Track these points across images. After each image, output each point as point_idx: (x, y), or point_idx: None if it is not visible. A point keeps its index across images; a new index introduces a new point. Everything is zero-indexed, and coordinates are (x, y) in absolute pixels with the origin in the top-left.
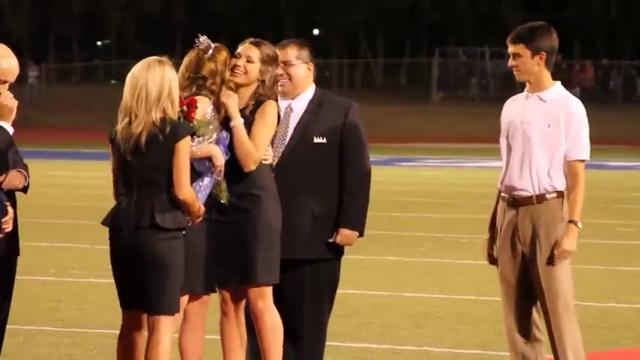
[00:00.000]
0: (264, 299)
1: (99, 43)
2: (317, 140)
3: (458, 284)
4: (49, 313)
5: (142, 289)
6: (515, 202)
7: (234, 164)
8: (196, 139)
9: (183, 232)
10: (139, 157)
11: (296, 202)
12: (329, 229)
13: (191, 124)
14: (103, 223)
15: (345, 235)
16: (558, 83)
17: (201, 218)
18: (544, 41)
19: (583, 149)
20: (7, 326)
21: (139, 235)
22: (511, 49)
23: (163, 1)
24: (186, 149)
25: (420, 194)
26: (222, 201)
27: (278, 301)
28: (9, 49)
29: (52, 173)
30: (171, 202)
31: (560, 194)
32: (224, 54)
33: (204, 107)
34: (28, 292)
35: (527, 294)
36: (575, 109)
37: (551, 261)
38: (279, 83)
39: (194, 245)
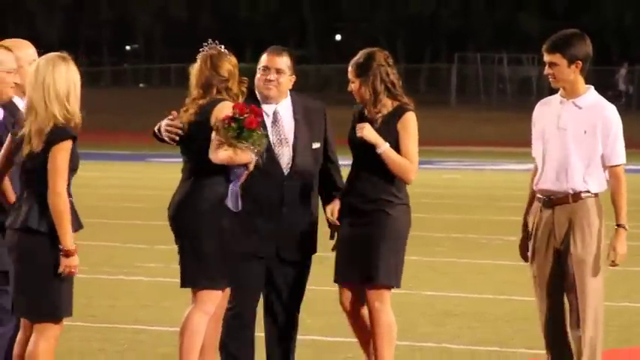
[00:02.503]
0: (382, 301)
1: (127, 47)
2: (315, 146)
3: (476, 283)
4: (81, 309)
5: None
6: (551, 202)
7: (367, 170)
8: (252, 146)
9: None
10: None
11: (304, 205)
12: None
13: (253, 134)
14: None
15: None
16: (592, 88)
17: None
18: (579, 49)
19: (621, 154)
20: None
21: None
22: (547, 58)
23: (190, 8)
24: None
25: (439, 196)
26: (239, 205)
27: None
28: (24, 41)
29: (80, 174)
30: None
31: (595, 195)
32: (234, 59)
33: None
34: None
35: (561, 289)
36: (611, 115)
37: (590, 262)
38: (266, 87)
39: (227, 243)
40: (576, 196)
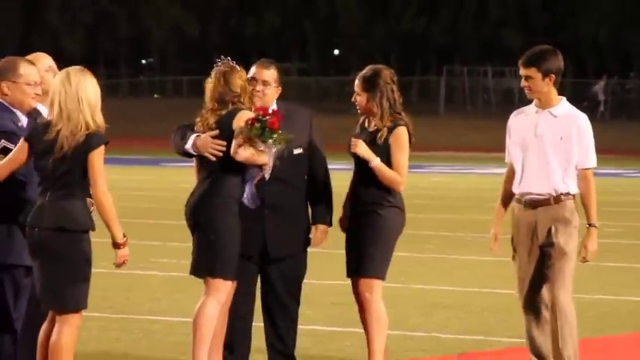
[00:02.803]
0: (372, 291)
1: (143, 61)
2: (296, 152)
3: (463, 278)
4: (98, 301)
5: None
6: (534, 203)
7: (363, 177)
8: (275, 145)
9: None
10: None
11: (287, 207)
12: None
13: (275, 134)
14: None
15: (322, 230)
16: (564, 99)
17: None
18: (552, 64)
19: (592, 158)
20: None
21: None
22: (523, 71)
23: (201, 25)
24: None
25: (429, 197)
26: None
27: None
28: (41, 53)
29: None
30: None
31: (572, 197)
32: (244, 73)
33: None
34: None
35: (541, 282)
36: (584, 123)
37: (567, 257)
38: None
39: (238, 233)
40: (557, 198)
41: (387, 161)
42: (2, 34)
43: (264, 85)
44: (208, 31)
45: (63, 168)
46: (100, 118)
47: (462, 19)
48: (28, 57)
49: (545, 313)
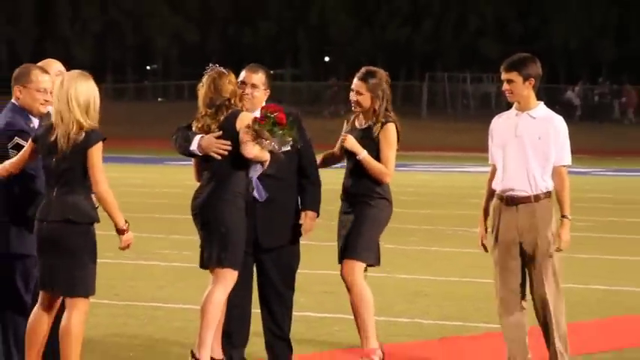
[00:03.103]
0: (354, 273)
1: (148, 67)
2: (284, 149)
3: (443, 268)
4: (106, 290)
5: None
6: (515, 200)
7: (354, 171)
8: (277, 140)
9: None
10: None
11: (278, 201)
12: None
13: (284, 129)
14: None
15: (310, 216)
16: (542, 103)
17: None
18: (532, 69)
19: (567, 157)
20: None
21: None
22: (505, 76)
23: (201, 34)
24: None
25: (413, 194)
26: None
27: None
28: (51, 60)
29: (108, 174)
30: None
31: (550, 194)
32: (233, 77)
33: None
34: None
35: (518, 274)
36: (560, 124)
37: (549, 251)
38: (243, 101)
39: (244, 226)
40: (537, 196)
41: (377, 157)
42: (18, 42)
43: (253, 88)
44: (207, 40)
45: (64, 166)
46: (92, 117)
47: (443, 29)
48: (40, 63)
49: (523, 304)
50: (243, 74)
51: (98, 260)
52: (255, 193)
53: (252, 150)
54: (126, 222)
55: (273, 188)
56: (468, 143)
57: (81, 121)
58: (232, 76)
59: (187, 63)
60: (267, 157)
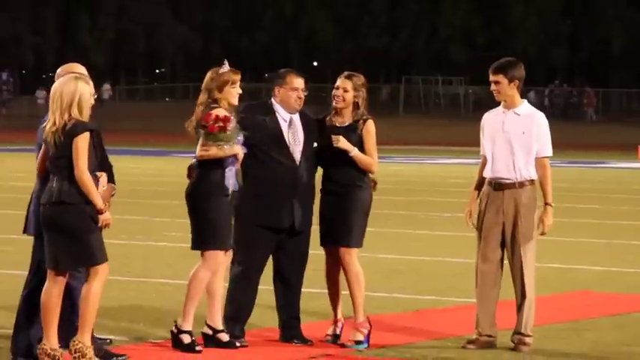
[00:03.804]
0: (351, 255)
1: (157, 71)
2: (314, 145)
3: (417, 249)
4: (120, 267)
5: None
6: (502, 186)
7: (342, 163)
8: (227, 144)
9: None
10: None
11: (308, 189)
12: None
13: (223, 134)
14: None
15: None
16: (526, 101)
17: None
18: (516, 72)
19: (549, 148)
20: None
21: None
22: (493, 77)
23: (204, 42)
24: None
25: (390, 182)
26: (241, 183)
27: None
28: (79, 65)
29: (121, 164)
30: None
31: (533, 182)
32: (232, 75)
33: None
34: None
35: (498, 252)
36: (542, 120)
37: (530, 234)
38: (297, 104)
39: (225, 212)
40: (521, 183)
41: (362, 150)
42: (41, 49)
43: (302, 91)
44: (210, 47)
45: (58, 154)
46: (75, 114)
47: (417, 38)
48: (65, 66)
49: (499, 280)
50: (292, 80)
51: (112, 242)
52: (228, 183)
53: (203, 154)
54: (108, 204)
55: (305, 179)
56: (439, 138)
57: (64, 114)
58: (230, 74)
59: (192, 67)
60: (226, 153)
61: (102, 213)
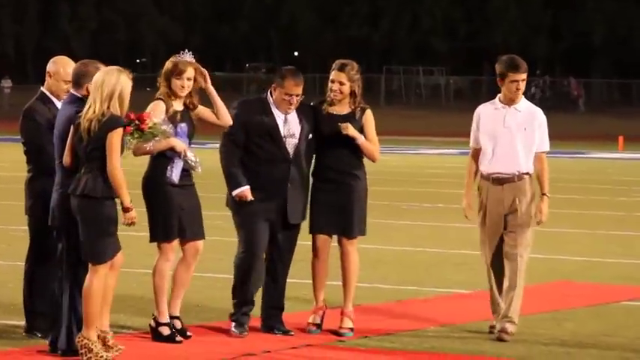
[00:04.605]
0: (353, 244)
1: (138, 61)
2: (310, 137)
3: (399, 239)
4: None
5: None
6: (501, 180)
7: (337, 151)
8: (153, 140)
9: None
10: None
11: (301, 182)
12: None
13: (140, 132)
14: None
15: None
16: (524, 98)
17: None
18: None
19: (547, 143)
20: None
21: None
22: (521, 76)
23: (185, 32)
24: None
25: (370, 173)
26: (197, 171)
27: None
28: (69, 59)
29: None
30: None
31: (530, 175)
32: (180, 65)
33: (160, 112)
34: None
35: (500, 242)
36: (541, 116)
37: (528, 224)
38: (287, 108)
39: (185, 202)
40: (520, 176)
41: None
42: (22, 38)
43: (298, 97)
44: (190, 37)
45: (90, 147)
46: (116, 104)
47: (399, 28)
48: (56, 59)
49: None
50: (288, 85)
51: None
52: (171, 175)
53: (136, 152)
54: (131, 201)
55: (298, 172)
56: (420, 128)
57: (102, 107)
58: (178, 64)
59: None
60: (161, 148)
61: (129, 210)
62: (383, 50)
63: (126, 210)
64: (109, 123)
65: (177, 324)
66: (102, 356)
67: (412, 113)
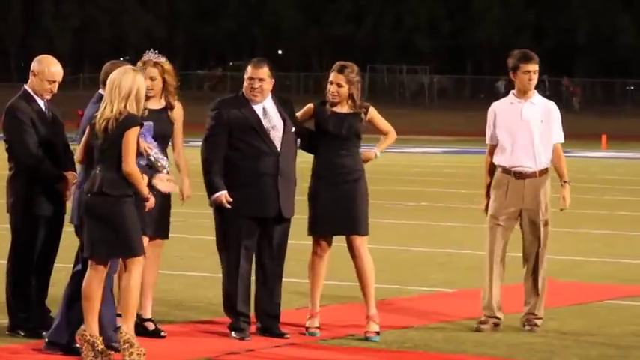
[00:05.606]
0: (365, 246)
1: (121, 59)
2: (293, 129)
3: (383, 237)
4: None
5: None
6: (523, 175)
7: (340, 151)
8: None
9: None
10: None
11: (290, 176)
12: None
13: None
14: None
15: None
16: (536, 92)
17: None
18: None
19: (562, 135)
20: (57, 265)
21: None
22: (534, 67)
23: (168, 30)
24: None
25: None
26: (163, 172)
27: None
28: (54, 58)
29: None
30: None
31: (548, 170)
32: (148, 67)
33: None
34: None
35: (507, 238)
36: (555, 108)
37: (549, 220)
38: (253, 94)
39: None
40: (541, 172)
41: (363, 133)
42: (5, 37)
43: (261, 81)
44: (174, 35)
45: (106, 145)
46: (133, 104)
47: (382, 26)
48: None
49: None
50: (249, 70)
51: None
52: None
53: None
54: (149, 192)
55: (287, 165)
56: (403, 126)
57: (120, 107)
58: (156, 66)
59: None
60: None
61: (147, 200)
62: (367, 48)
63: (145, 200)
64: (126, 122)
65: (150, 325)
66: (142, 351)
67: (396, 112)
